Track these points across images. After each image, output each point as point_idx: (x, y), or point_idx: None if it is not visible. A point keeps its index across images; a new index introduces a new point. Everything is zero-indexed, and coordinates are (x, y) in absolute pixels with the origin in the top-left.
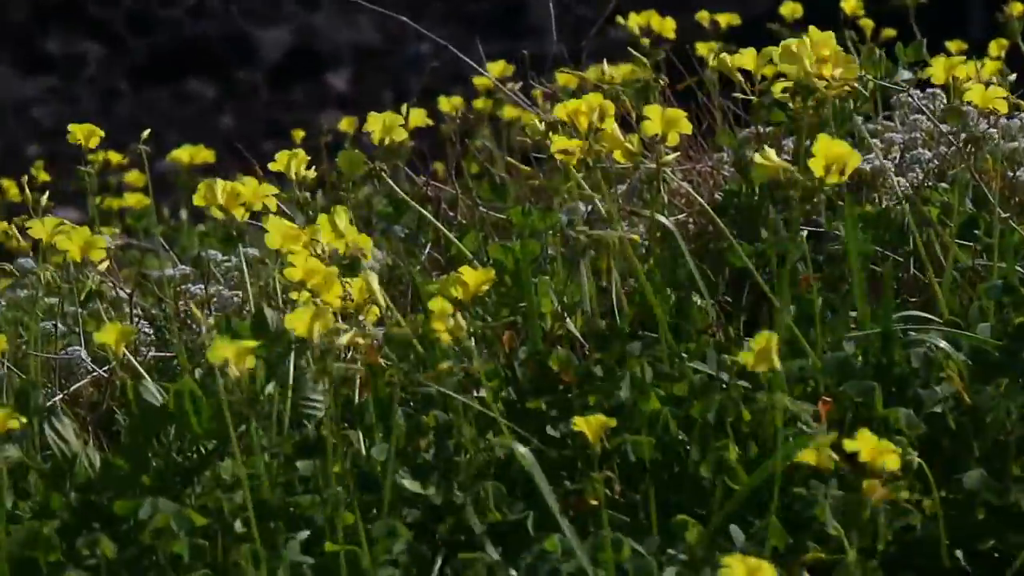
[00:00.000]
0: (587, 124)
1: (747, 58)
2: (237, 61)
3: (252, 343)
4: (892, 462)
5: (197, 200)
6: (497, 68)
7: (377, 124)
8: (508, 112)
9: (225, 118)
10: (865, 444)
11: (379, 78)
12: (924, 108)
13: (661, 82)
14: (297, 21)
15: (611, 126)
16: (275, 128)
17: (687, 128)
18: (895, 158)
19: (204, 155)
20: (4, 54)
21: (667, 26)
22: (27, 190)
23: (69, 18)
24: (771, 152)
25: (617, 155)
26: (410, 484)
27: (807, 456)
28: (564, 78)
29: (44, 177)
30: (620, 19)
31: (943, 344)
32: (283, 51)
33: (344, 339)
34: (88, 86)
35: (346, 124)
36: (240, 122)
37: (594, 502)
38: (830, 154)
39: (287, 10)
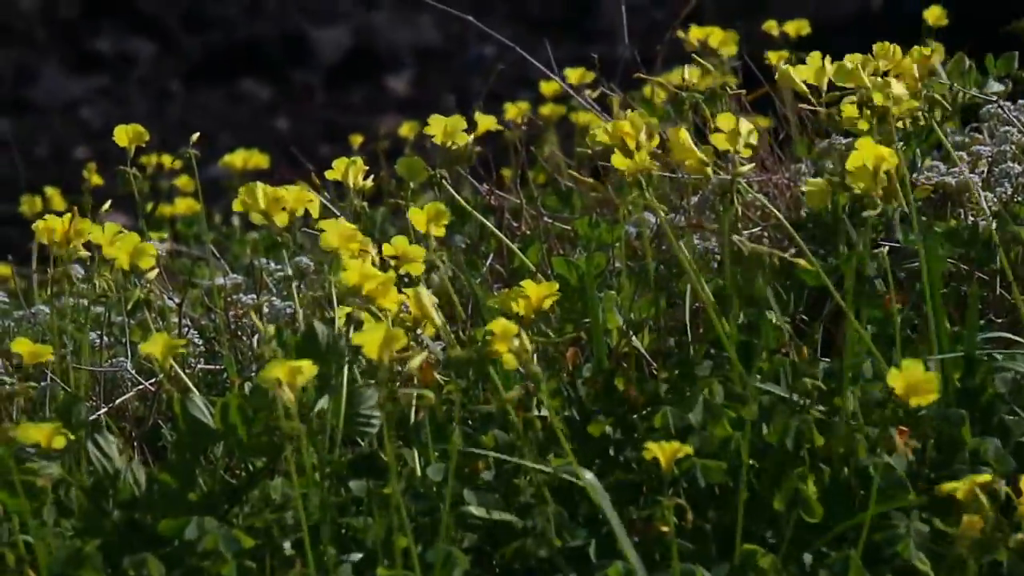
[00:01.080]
0: (635, 144)
1: (810, 71)
2: (293, 62)
3: (304, 363)
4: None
5: (236, 206)
6: (575, 74)
7: (439, 128)
8: (579, 119)
9: (280, 120)
10: (963, 484)
11: (441, 81)
12: (1015, 120)
13: (730, 88)
14: (356, 21)
15: (682, 136)
16: (332, 131)
17: (755, 138)
18: (983, 172)
19: (257, 159)
20: (52, 52)
21: (730, 39)
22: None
23: (120, 15)
24: (817, 179)
25: (687, 165)
26: (475, 509)
27: (953, 487)
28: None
29: (96, 180)
30: (681, 33)
31: None
32: (341, 52)
33: (416, 362)
34: (139, 86)
35: (407, 129)
36: (296, 125)
37: (664, 529)
38: (868, 158)
39: (345, 9)
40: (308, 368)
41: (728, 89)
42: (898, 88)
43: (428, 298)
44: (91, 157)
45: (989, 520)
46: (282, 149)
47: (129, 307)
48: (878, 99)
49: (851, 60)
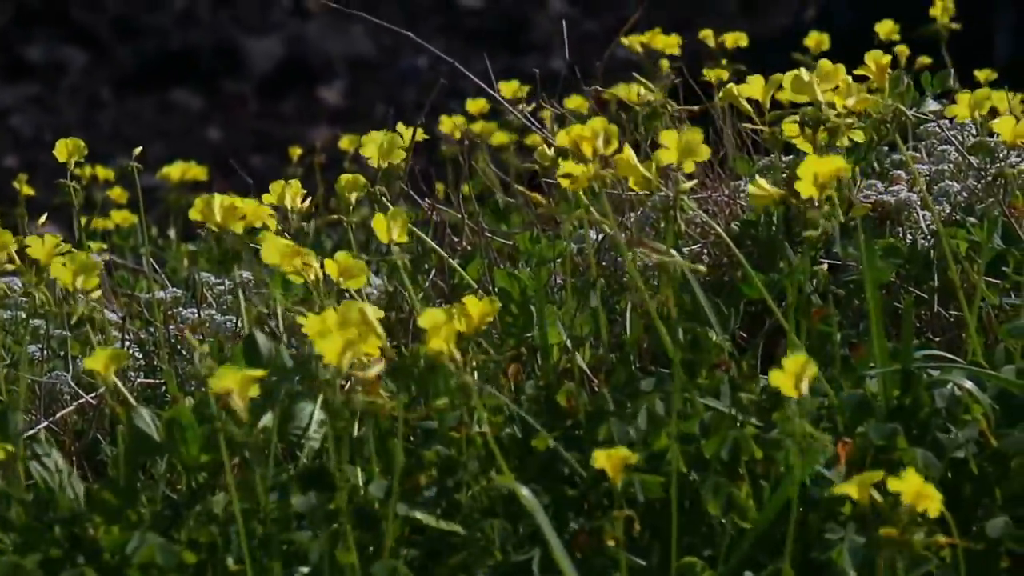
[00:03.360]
0: (592, 150)
1: (755, 88)
2: (225, 71)
3: (258, 372)
4: (934, 508)
5: (193, 215)
6: (509, 88)
7: (374, 147)
8: (503, 138)
9: (212, 130)
10: (909, 486)
11: (373, 91)
12: (952, 139)
13: (671, 106)
14: (288, 31)
15: (627, 152)
16: (264, 141)
17: (705, 154)
18: (920, 191)
19: (195, 172)
20: None
21: (671, 43)
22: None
23: (52, 24)
24: (763, 181)
25: (632, 182)
26: (421, 515)
27: (847, 489)
28: (574, 101)
29: (27, 191)
30: (624, 40)
31: (968, 385)
32: (273, 62)
33: (372, 372)
34: (70, 95)
35: (346, 143)
36: (228, 135)
37: (611, 542)
38: (820, 172)
39: (277, 19)
40: (259, 377)
41: (669, 107)
42: (850, 100)
43: (373, 313)
44: (21, 166)
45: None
46: (215, 159)
47: (72, 322)
48: (831, 116)
49: (805, 73)
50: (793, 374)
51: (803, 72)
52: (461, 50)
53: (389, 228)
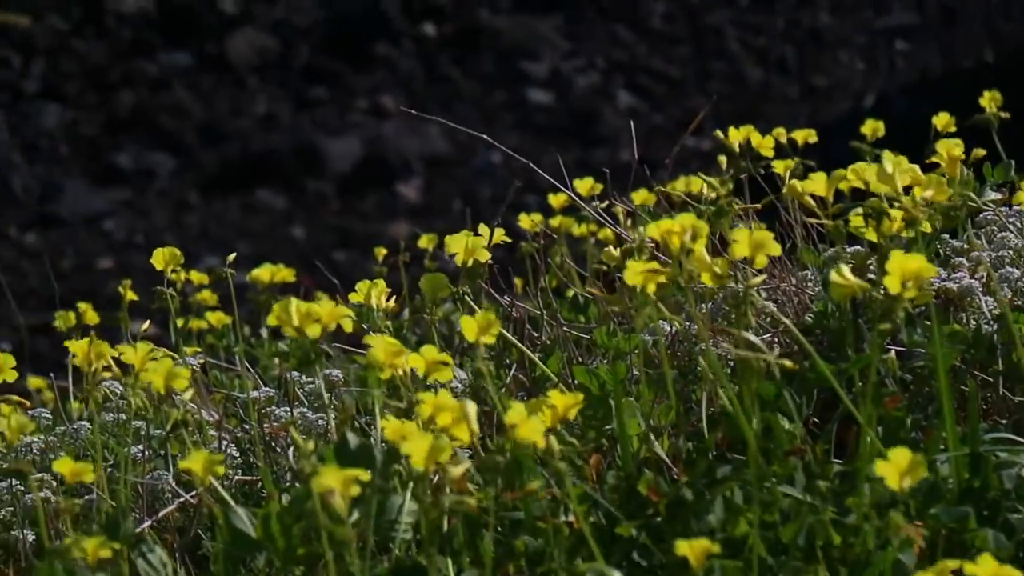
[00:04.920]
0: (680, 244)
1: (818, 183)
2: (306, 171)
3: (359, 472)
4: None
5: (271, 320)
6: (584, 186)
7: (459, 246)
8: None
9: (296, 228)
10: (986, 571)
11: (450, 187)
12: (1011, 226)
13: (737, 204)
14: (366, 131)
15: (699, 249)
16: (346, 238)
17: (776, 250)
18: (983, 277)
19: (284, 274)
20: (76, 167)
21: (765, 143)
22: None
23: (141, 131)
24: (846, 270)
25: (704, 277)
26: None
27: None
28: (641, 195)
29: (132, 296)
30: (719, 133)
31: None
32: (352, 161)
33: (458, 471)
34: (159, 198)
35: (425, 241)
36: (311, 232)
37: None
38: (906, 269)
39: (356, 120)
40: (360, 476)
41: (736, 202)
42: (928, 192)
43: (472, 409)
44: (115, 268)
45: None
46: (299, 256)
47: (168, 427)
48: (909, 206)
49: (888, 165)
50: (899, 469)
51: (886, 164)
52: (533, 144)
53: (478, 330)
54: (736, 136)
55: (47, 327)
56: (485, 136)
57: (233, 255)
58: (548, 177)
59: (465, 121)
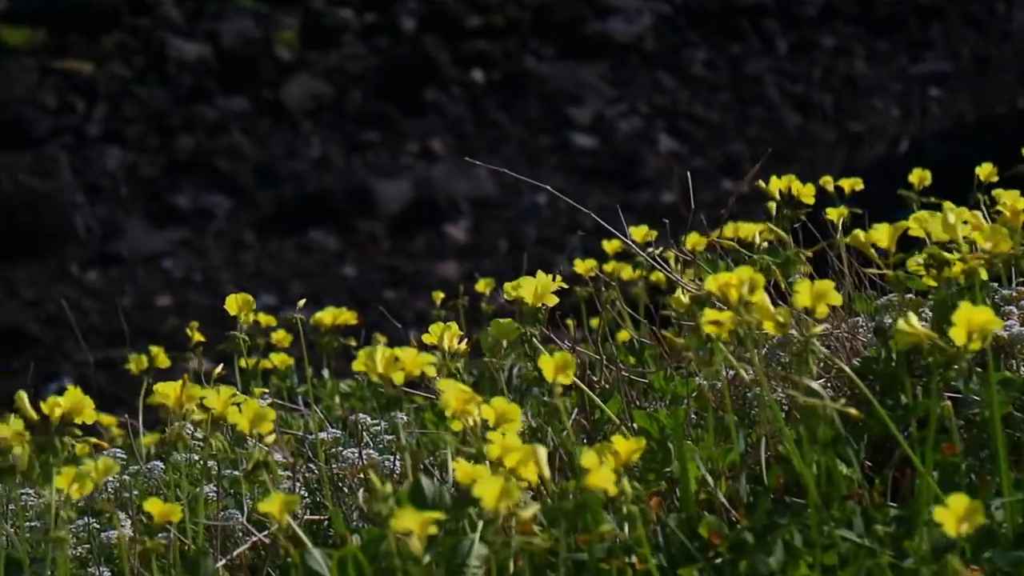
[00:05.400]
0: (737, 296)
1: (881, 234)
2: (358, 212)
3: (435, 514)
4: None
5: (357, 366)
6: (639, 232)
7: (528, 291)
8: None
9: (347, 268)
10: None
11: (496, 228)
12: None
13: (803, 256)
14: (416, 174)
15: (762, 298)
16: (396, 277)
17: (837, 300)
18: None
19: (345, 316)
20: (137, 208)
21: (807, 191)
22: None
23: (199, 173)
24: (914, 319)
25: (767, 325)
26: None
27: None
28: (693, 239)
29: (198, 337)
30: (762, 184)
31: None
32: (403, 203)
33: (528, 513)
34: (216, 238)
35: (482, 285)
36: (362, 271)
37: None
38: (972, 321)
39: (407, 163)
40: (437, 517)
41: (802, 256)
42: (988, 244)
43: (543, 453)
44: (172, 305)
45: None
46: (350, 294)
47: (249, 466)
48: (969, 256)
49: (951, 216)
50: (957, 515)
51: (950, 214)
52: (577, 187)
53: (556, 370)
54: (778, 184)
55: (108, 362)
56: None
57: (302, 301)
58: (595, 216)
59: (511, 164)
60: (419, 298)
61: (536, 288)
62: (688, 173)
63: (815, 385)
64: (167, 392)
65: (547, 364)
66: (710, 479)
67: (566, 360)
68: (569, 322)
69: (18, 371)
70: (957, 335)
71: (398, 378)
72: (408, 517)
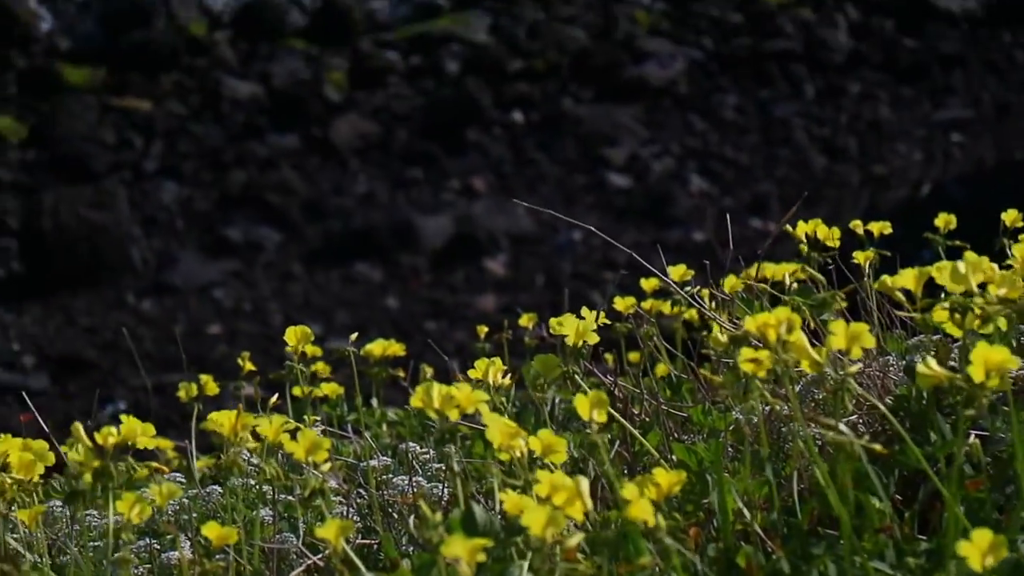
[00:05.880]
0: (776, 336)
1: (907, 279)
2: (402, 247)
3: (483, 541)
4: None
5: (414, 402)
6: (677, 272)
7: (570, 328)
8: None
9: (390, 299)
10: None
11: (533, 263)
12: None
13: (840, 298)
14: (457, 210)
15: (800, 338)
16: (437, 308)
17: (870, 342)
18: None
19: (394, 348)
20: (190, 240)
21: (833, 235)
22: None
23: (250, 207)
24: (933, 362)
25: (804, 365)
26: None
27: None
28: (730, 281)
29: (249, 367)
30: (789, 228)
31: None
32: (444, 238)
33: (573, 541)
34: (265, 270)
35: (525, 319)
36: (404, 303)
37: None
38: (989, 360)
39: (448, 200)
40: (485, 544)
41: (839, 299)
42: (1001, 291)
43: (585, 485)
44: (222, 333)
45: None
46: (393, 325)
47: (307, 493)
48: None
49: (962, 266)
50: (981, 549)
51: (960, 265)
52: (612, 225)
53: (591, 407)
54: (805, 228)
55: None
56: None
57: (355, 335)
58: (633, 254)
59: (549, 202)
60: (459, 329)
61: (578, 327)
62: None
63: (843, 426)
64: (222, 421)
65: (582, 403)
66: (746, 511)
67: (600, 399)
68: (608, 356)
69: (76, 395)
70: (975, 373)
71: (453, 415)
72: (458, 544)
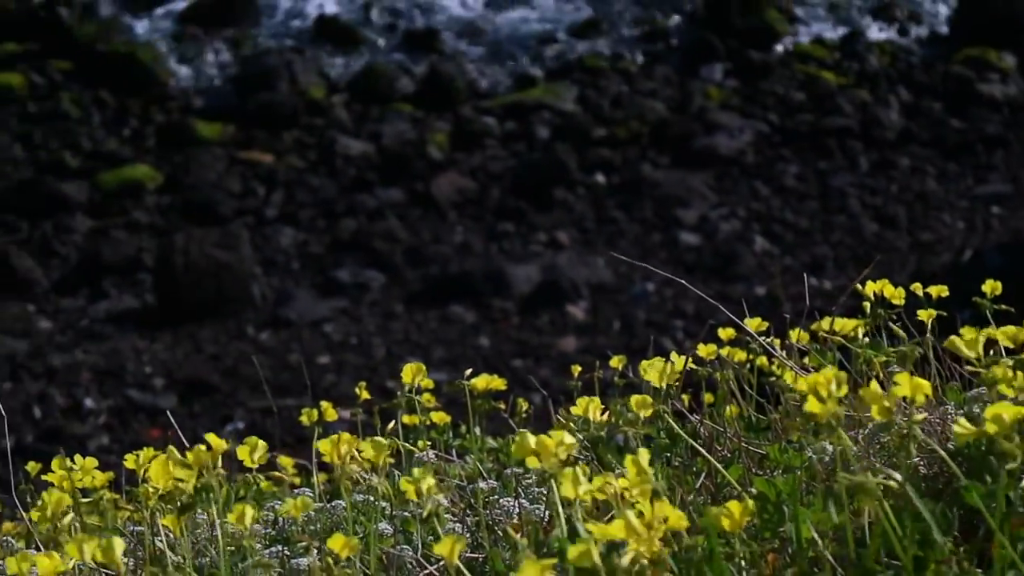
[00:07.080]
0: (826, 392)
1: (971, 341)
2: (493, 291)
3: (552, 561)
4: None
5: (516, 453)
6: (754, 323)
7: (654, 373)
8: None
9: (482, 338)
10: None
11: (610, 310)
12: None
13: (916, 352)
14: (544, 260)
15: (874, 386)
16: (523, 348)
17: (928, 391)
18: None
19: (497, 383)
20: (305, 280)
21: (897, 294)
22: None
23: (358, 252)
24: (965, 422)
25: (874, 411)
26: None
27: None
28: (795, 333)
29: (365, 395)
30: (859, 287)
31: None
32: (532, 284)
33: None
34: (370, 308)
35: (615, 361)
36: (494, 342)
37: None
38: (1007, 415)
39: (536, 251)
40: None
41: (915, 352)
42: None
43: (678, 520)
44: (331, 363)
45: None
46: (484, 361)
47: (424, 515)
48: None
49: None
50: None
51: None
52: (682, 278)
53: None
54: (872, 287)
55: (275, 410)
56: (645, 264)
57: (468, 371)
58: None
59: (626, 256)
60: (543, 367)
61: (663, 369)
62: (785, 273)
63: (895, 473)
64: (324, 448)
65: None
66: (819, 539)
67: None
68: (684, 396)
69: (199, 414)
70: (990, 428)
71: (548, 463)
72: (529, 568)
